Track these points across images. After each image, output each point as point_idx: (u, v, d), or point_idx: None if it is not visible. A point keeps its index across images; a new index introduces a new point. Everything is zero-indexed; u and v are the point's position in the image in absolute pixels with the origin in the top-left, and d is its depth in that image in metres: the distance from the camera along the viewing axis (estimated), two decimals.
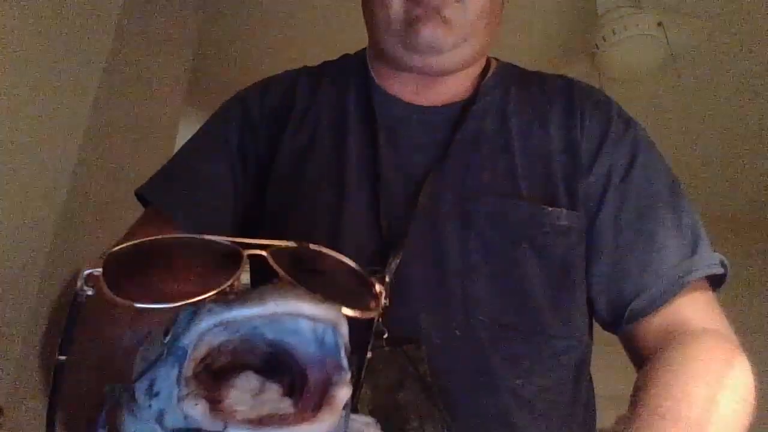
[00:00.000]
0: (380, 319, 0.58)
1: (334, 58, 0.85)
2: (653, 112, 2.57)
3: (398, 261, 0.61)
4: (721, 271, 0.66)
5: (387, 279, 0.59)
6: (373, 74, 0.77)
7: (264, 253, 0.34)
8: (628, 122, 0.74)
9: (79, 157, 1.45)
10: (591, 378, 0.68)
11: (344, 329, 0.31)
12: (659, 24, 2.08)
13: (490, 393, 0.59)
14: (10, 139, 1.27)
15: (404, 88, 0.75)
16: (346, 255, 0.64)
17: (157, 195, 0.71)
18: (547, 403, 0.61)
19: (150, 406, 0.30)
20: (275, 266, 0.33)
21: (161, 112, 1.93)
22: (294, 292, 0.29)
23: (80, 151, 1.46)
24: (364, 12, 0.76)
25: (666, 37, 2.08)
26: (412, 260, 0.63)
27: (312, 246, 0.37)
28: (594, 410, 0.67)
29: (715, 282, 0.67)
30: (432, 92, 0.74)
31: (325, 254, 0.38)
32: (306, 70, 0.82)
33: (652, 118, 2.56)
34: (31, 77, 1.34)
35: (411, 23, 0.68)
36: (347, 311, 0.34)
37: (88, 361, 0.42)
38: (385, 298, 0.58)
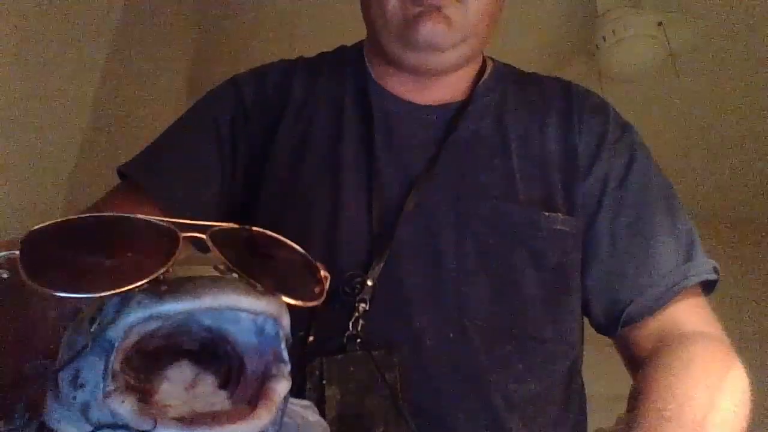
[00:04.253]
0: (358, 322, 0.59)
1: None
2: (653, 112, 2.56)
3: (382, 264, 0.61)
4: (714, 277, 0.66)
5: (369, 283, 0.59)
6: (370, 69, 0.77)
7: (203, 235, 0.31)
8: (624, 127, 0.74)
9: (78, 157, 1.45)
10: (582, 382, 0.69)
11: (285, 321, 0.29)
12: (659, 24, 2.07)
13: (481, 396, 0.59)
14: (10, 138, 1.26)
15: (401, 86, 0.74)
16: (342, 256, 0.64)
17: (139, 174, 0.69)
18: (538, 407, 0.61)
19: (75, 397, 0.28)
20: (214, 250, 0.31)
21: (161, 111, 1.92)
22: (232, 285, 0.27)
23: (80, 150, 1.46)
24: (362, 8, 0.75)
25: (666, 37, 2.08)
26: (406, 262, 0.62)
27: (255, 228, 0.35)
28: (585, 414, 0.67)
29: (708, 287, 0.68)
30: (429, 91, 0.74)
31: (268, 237, 0.36)
32: (303, 61, 0.80)
33: (652, 118, 2.56)
34: (31, 77, 1.34)
35: (410, 21, 0.67)
36: (289, 300, 0.31)
37: (7, 335, 0.40)
38: (363, 303, 0.58)
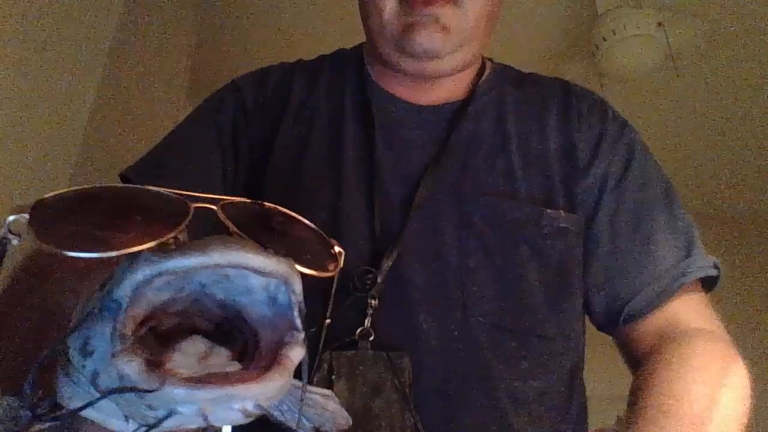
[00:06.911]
0: (370, 321, 0.59)
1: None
2: (653, 112, 2.57)
3: (391, 262, 0.61)
4: (715, 273, 0.66)
5: (379, 280, 0.60)
6: (370, 71, 0.77)
7: (214, 206, 0.31)
8: (623, 125, 0.74)
9: (78, 157, 1.45)
10: (583, 379, 0.69)
11: (297, 286, 0.28)
12: (659, 24, 2.07)
13: (487, 394, 0.59)
14: (10, 138, 1.27)
15: (400, 87, 0.74)
16: (344, 255, 0.64)
17: (141, 178, 0.68)
18: (544, 404, 0.61)
19: (84, 366, 0.27)
20: (224, 220, 0.31)
21: (161, 111, 1.92)
22: (241, 243, 0.26)
23: (80, 150, 1.46)
24: (360, 14, 0.76)
25: (666, 37, 2.08)
26: (410, 260, 0.63)
27: (266, 203, 0.34)
28: (586, 414, 0.67)
29: (708, 284, 0.68)
30: (428, 92, 0.74)
31: (281, 212, 0.35)
32: (302, 64, 0.81)
33: (652, 118, 2.56)
34: (31, 77, 1.34)
35: (406, 29, 0.68)
36: (302, 269, 0.30)
37: (28, 324, 0.40)
38: (372, 290, 0.58)
